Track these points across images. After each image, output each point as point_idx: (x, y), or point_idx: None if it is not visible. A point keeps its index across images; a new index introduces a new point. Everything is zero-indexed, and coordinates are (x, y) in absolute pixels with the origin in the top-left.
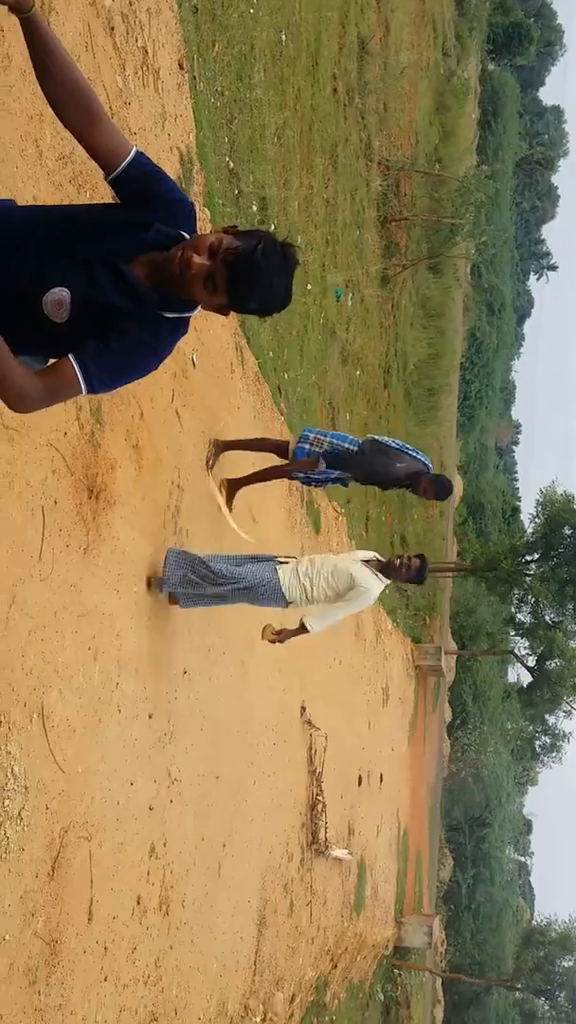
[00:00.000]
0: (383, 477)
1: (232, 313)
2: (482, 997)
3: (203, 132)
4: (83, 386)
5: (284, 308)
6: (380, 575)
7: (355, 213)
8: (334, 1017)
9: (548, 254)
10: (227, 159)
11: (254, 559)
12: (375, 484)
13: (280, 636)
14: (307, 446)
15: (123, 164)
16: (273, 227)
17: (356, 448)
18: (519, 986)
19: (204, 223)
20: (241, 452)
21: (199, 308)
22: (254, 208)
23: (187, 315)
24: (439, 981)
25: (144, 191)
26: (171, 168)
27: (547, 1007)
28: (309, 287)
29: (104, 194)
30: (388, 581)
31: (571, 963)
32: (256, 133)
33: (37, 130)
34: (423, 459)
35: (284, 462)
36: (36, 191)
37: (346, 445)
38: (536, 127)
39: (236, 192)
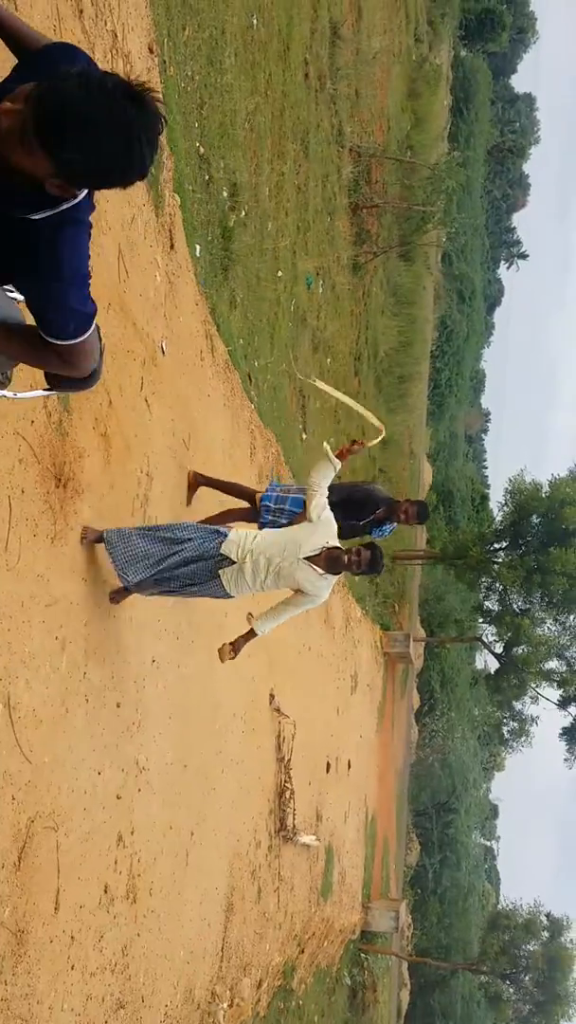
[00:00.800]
0: (361, 502)
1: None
2: (448, 980)
3: (173, 117)
4: (64, 341)
5: (138, 171)
6: (327, 574)
7: (326, 200)
8: (301, 1001)
9: (519, 242)
10: (197, 144)
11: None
12: (350, 518)
13: (234, 647)
14: (272, 504)
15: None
16: (244, 213)
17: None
18: (484, 969)
19: (174, 208)
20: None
21: (77, 197)
22: (224, 194)
23: (58, 210)
24: (405, 965)
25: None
26: None
27: (512, 990)
28: (280, 274)
29: None
30: (337, 576)
31: (536, 947)
32: (227, 118)
33: None
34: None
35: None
36: None
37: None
38: (508, 115)
39: (207, 178)
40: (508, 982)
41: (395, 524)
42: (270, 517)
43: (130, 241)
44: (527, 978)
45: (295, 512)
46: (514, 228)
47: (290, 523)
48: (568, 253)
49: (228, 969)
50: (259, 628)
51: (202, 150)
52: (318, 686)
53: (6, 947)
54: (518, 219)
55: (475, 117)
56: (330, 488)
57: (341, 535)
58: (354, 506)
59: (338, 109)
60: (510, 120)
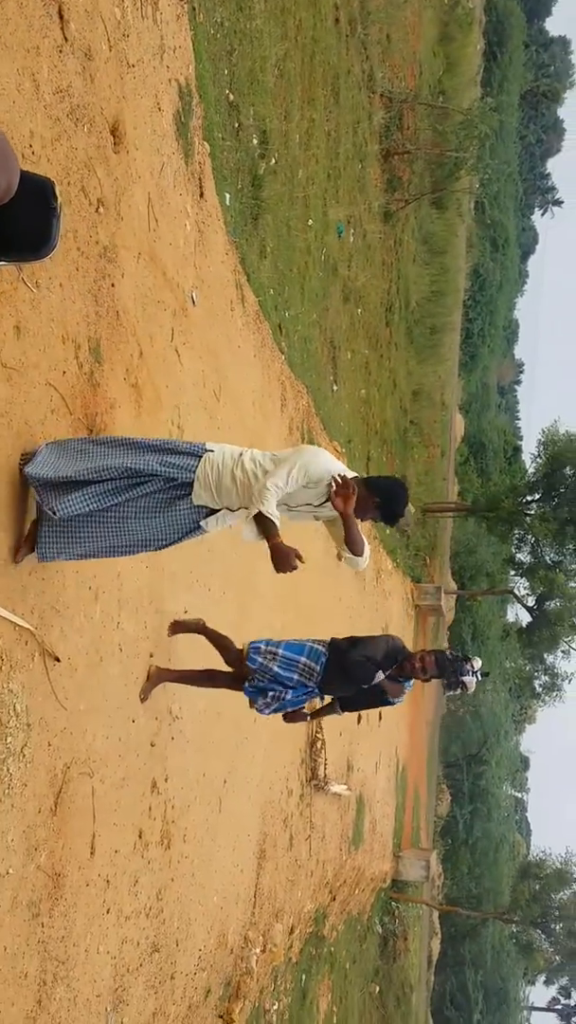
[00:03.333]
0: (364, 673)
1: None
2: (478, 929)
3: (202, 64)
4: None
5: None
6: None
7: (357, 147)
8: (332, 948)
9: (553, 188)
10: (227, 92)
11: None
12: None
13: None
14: (259, 658)
15: None
16: (274, 161)
17: (320, 660)
18: (515, 919)
19: (204, 156)
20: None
21: None
22: (254, 142)
23: None
24: (436, 914)
25: None
26: (170, 101)
27: (543, 938)
28: (310, 222)
29: (98, 140)
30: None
31: (567, 896)
32: (256, 65)
33: (34, 63)
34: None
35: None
36: (33, 125)
37: (303, 659)
38: (542, 58)
39: (236, 125)
40: (539, 930)
41: (412, 681)
42: (260, 659)
43: (160, 190)
44: (558, 926)
45: (289, 658)
46: (548, 174)
47: (284, 669)
48: None
49: (260, 915)
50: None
51: (231, 97)
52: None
53: (43, 890)
54: (552, 165)
55: (508, 61)
56: (358, 642)
57: (349, 703)
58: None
59: (369, 54)
60: (544, 64)
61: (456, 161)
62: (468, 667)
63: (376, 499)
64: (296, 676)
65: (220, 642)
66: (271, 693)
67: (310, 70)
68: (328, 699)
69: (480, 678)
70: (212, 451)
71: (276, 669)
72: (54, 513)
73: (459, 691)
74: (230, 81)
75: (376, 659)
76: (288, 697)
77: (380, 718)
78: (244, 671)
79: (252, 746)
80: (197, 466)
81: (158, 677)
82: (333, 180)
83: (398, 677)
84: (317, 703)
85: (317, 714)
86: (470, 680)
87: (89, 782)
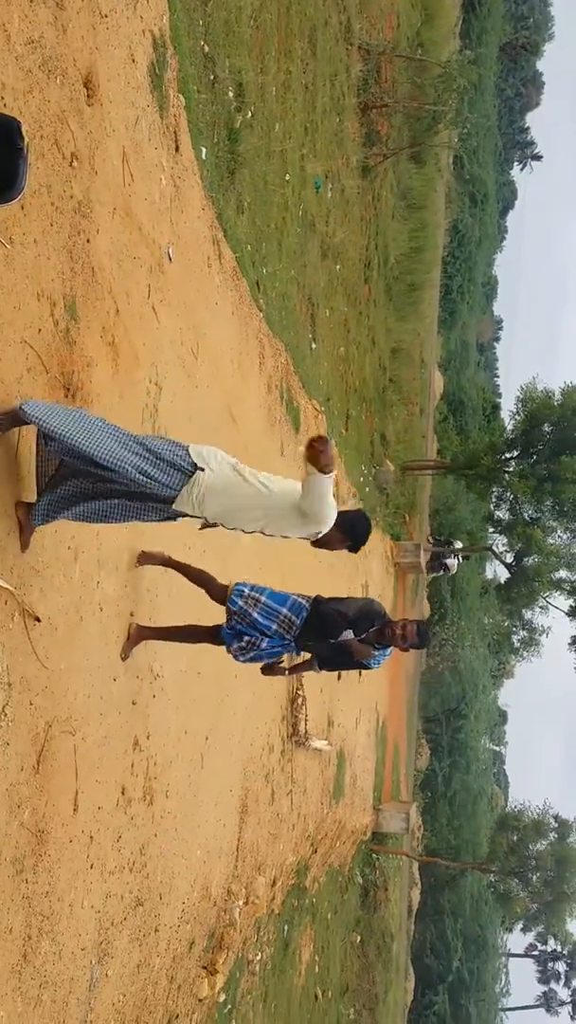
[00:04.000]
0: (333, 626)
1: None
2: (457, 880)
3: (176, 15)
4: None
5: None
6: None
7: (335, 100)
8: (314, 899)
9: (532, 143)
10: (202, 43)
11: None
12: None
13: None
14: (240, 602)
15: None
16: (250, 114)
17: (301, 614)
18: (493, 869)
19: (179, 109)
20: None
21: None
22: (230, 95)
23: None
24: (416, 865)
25: None
26: (144, 53)
27: (520, 887)
28: (288, 177)
29: (71, 92)
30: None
31: (544, 847)
32: (232, 16)
33: (4, 13)
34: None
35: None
36: (4, 77)
37: (284, 611)
38: (521, 10)
39: (211, 78)
40: (517, 880)
41: (391, 648)
42: (241, 602)
43: (135, 143)
44: (535, 877)
45: (271, 607)
46: (527, 128)
47: (266, 615)
48: None
49: (243, 868)
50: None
51: (207, 49)
52: (329, 593)
53: (27, 847)
54: (532, 118)
55: (487, 13)
56: (338, 599)
57: (327, 662)
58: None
59: (346, 5)
60: (523, 16)
61: (434, 115)
62: (450, 552)
63: (341, 535)
64: (274, 627)
65: (199, 577)
66: (247, 638)
67: (287, 21)
68: (305, 655)
69: (461, 561)
70: (203, 470)
71: (255, 616)
72: (32, 522)
73: (442, 572)
74: (205, 32)
75: (348, 616)
76: (263, 646)
77: (360, 675)
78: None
79: (233, 703)
80: (182, 485)
81: (138, 635)
82: (310, 134)
83: (377, 643)
84: (295, 658)
85: (295, 669)
86: (452, 563)
87: (71, 740)
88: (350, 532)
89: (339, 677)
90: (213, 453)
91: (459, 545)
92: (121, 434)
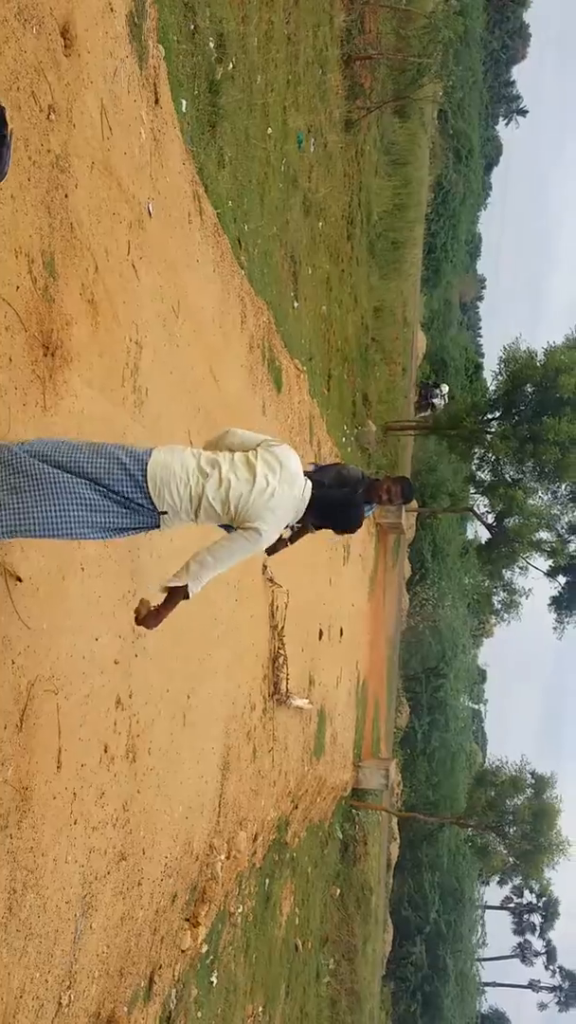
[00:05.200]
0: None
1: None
2: (435, 834)
3: None
4: None
5: None
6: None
7: (318, 51)
8: (295, 854)
9: (518, 97)
10: None
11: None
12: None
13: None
14: None
15: None
16: (232, 66)
17: None
18: (471, 823)
19: (158, 60)
20: None
21: None
22: (211, 45)
23: None
24: (395, 820)
25: None
26: (123, 1)
27: (498, 841)
28: (270, 131)
29: (48, 42)
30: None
31: (522, 801)
32: None
33: None
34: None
35: None
36: None
37: None
38: None
39: (192, 28)
40: (494, 834)
41: (375, 505)
42: None
43: (113, 95)
44: (512, 831)
45: None
46: (513, 82)
47: None
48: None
49: (225, 824)
50: (192, 588)
51: None
52: (310, 556)
53: (11, 803)
54: (517, 72)
55: None
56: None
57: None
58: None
59: None
60: None
61: (419, 67)
62: (437, 391)
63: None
64: None
65: None
66: None
67: None
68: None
69: (446, 400)
70: (166, 513)
71: None
72: None
73: (429, 412)
74: None
75: (323, 483)
76: None
77: (341, 634)
78: None
79: (215, 662)
80: (153, 521)
81: None
82: (293, 87)
83: (364, 501)
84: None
85: (293, 539)
86: (439, 402)
87: (54, 699)
88: (330, 517)
89: (321, 636)
90: (173, 475)
91: (446, 388)
92: (64, 485)
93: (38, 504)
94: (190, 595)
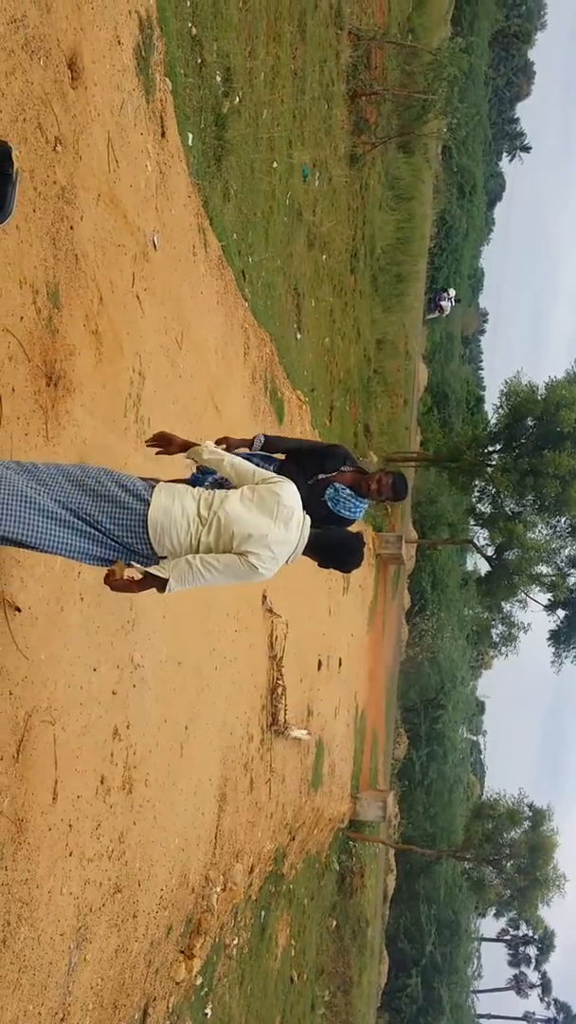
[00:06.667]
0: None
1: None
2: (432, 866)
3: None
4: None
5: None
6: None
7: (324, 86)
8: (291, 885)
9: (522, 134)
10: (189, 25)
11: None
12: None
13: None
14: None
15: None
16: (238, 99)
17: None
18: (468, 856)
19: (165, 94)
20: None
21: None
22: (218, 79)
23: None
24: (392, 852)
25: None
26: (130, 34)
27: (494, 875)
28: (275, 165)
29: (55, 74)
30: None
31: (518, 835)
32: None
33: None
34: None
35: None
36: None
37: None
38: None
39: (199, 61)
40: (491, 867)
41: (366, 501)
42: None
43: (120, 128)
44: (509, 864)
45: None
46: (517, 119)
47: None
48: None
49: (221, 855)
50: (169, 585)
51: (194, 31)
52: (310, 587)
53: (6, 835)
54: (521, 109)
55: None
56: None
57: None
58: (313, 458)
59: None
60: (516, 3)
61: (424, 104)
62: (445, 295)
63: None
64: None
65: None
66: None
67: (276, 4)
68: None
69: (454, 303)
70: (165, 557)
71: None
72: None
73: (437, 314)
74: (193, 14)
75: (321, 525)
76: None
77: (340, 665)
78: None
79: (213, 693)
80: (158, 557)
81: None
82: (299, 121)
83: (358, 496)
84: None
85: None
86: (446, 304)
87: (51, 730)
88: (329, 556)
89: (319, 666)
90: (174, 522)
91: (453, 292)
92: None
93: (16, 509)
94: (166, 591)
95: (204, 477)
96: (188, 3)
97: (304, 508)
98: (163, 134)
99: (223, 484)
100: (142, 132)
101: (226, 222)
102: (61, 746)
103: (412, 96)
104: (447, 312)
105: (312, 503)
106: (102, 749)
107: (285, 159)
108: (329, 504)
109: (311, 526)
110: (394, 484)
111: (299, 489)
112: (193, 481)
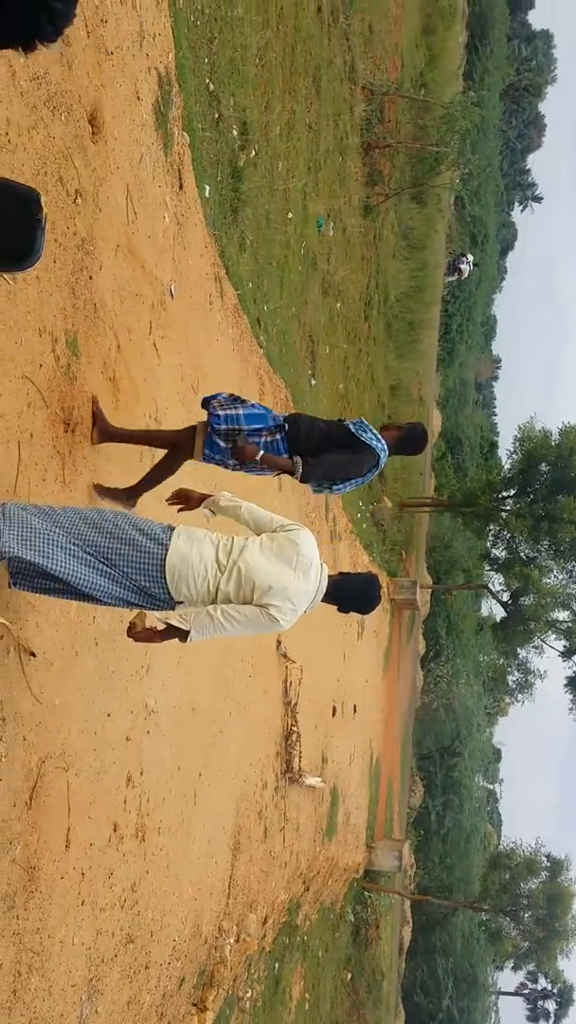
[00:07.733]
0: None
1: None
2: (449, 918)
3: (182, 52)
4: None
5: None
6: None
7: (338, 139)
8: (306, 937)
9: (533, 184)
10: (207, 81)
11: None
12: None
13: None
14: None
15: None
16: (254, 152)
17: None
18: (485, 907)
19: (183, 147)
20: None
21: None
22: (235, 133)
23: None
24: (408, 903)
25: None
26: (149, 90)
27: (512, 926)
28: (290, 215)
29: (76, 129)
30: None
31: (536, 885)
32: (237, 54)
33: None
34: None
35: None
36: (9, 113)
37: (263, 426)
38: (524, 52)
39: (216, 116)
40: (508, 919)
41: (376, 471)
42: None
43: (139, 181)
44: (527, 916)
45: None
46: (529, 170)
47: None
48: None
49: (235, 906)
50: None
51: (212, 87)
52: (325, 632)
53: (18, 883)
54: (533, 160)
55: (490, 54)
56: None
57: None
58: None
59: (351, 45)
60: (526, 58)
61: (437, 156)
62: (464, 258)
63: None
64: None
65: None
66: (224, 427)
67: (291, 60)
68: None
69: (472, 267)
70: (182, 602)
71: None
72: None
73: (456, 277)
74: (210, 70)
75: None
76: (243, 424)
77: (355, 711)
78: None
79: (227, 740)
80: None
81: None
82: (313, 173)
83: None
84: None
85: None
86: (465, 268)
87: (64, 776)
88: (348, 602)
89: (334, 713)
90: (191, 568)
91: (471, 257)
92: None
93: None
94: (187, 642)
95: (222, 449)
96: (206, 60)
97: (321, 440)
98: (181, 186)
99: (234, 439)
100: (160, 184)
101: (242, 271)
102: (74, 792)
103: (425, 148)
104: (465, 276)
105: (331, 433)
106: (115, 796)
107: (300, 210)
108: (351, 428)
109: (328, 449)
110: (400, 437)
111: (313, 430)
112: (211, 447)
